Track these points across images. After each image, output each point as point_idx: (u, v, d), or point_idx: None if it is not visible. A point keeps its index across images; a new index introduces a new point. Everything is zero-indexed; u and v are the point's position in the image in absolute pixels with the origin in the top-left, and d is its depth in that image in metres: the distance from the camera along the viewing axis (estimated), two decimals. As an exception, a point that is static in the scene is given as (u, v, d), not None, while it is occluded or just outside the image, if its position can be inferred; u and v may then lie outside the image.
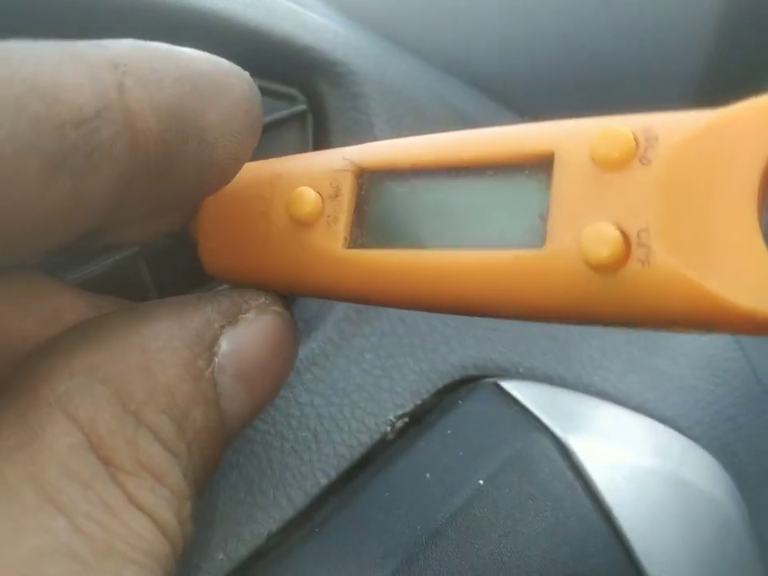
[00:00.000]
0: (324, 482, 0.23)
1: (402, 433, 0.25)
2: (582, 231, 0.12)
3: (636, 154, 0.11)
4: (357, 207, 0.15)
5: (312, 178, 0.16)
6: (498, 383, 0.26)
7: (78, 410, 0.12)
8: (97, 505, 0.12)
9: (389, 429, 0.25)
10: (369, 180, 0.16)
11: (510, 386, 0.26)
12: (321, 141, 0.27)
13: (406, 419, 0.25)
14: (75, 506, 0.11)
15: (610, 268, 0.11)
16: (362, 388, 0.25)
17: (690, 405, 0.31)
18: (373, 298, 0.16)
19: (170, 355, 0.14)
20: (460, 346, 0.27)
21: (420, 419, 0.25)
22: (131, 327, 0.14)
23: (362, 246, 0.15)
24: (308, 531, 0.21)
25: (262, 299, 0.16)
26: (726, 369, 0.33)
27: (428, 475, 0.23)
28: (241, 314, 0.16)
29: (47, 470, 0.12)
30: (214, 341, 0.15)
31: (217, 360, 0.15)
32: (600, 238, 0.11)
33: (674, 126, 0.11)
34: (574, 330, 0.30)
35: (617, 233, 0.11)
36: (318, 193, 0.16)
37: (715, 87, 0.34)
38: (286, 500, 0.22)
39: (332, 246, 0.15)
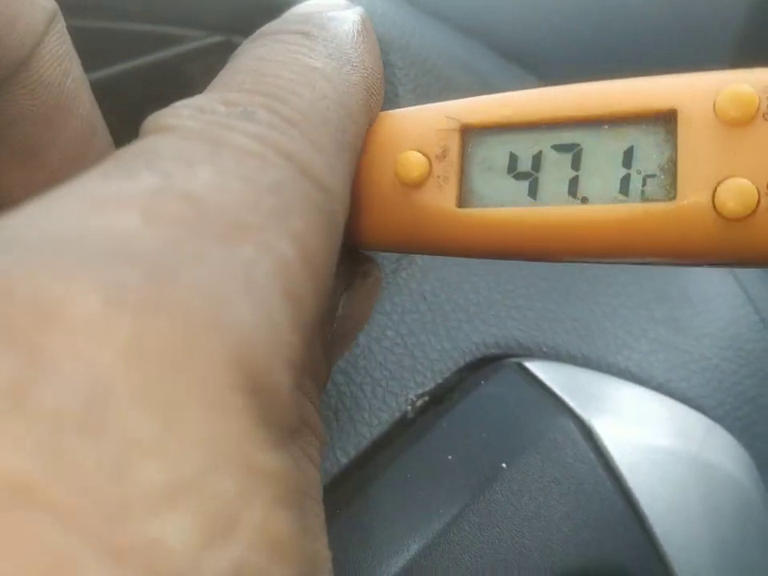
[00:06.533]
0: (344, 460, 0.23)
1: (422, 412, 0.24)
2: (717, 186, 0.13)
3: (759, 111, 0.13)
4: (466, 165, 0.16)
5: (417, 140, 0.16)
6: (522, 363, 0.25)
7: None
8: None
9: (409, 407, 0.24)
10: (476, 136, 0.16)
11: (534, 367, 0.25)
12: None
13: (427, 398, 0.25)
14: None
15: (743, 219, 0.12)
16: (382, 366, 0.24)
17: (714, 386, 0.30)
18: (488, 254, 0.16)
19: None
20: (483, 324, 0.26)
21: (441, 398, 0.25)
22: None
23: (476, 204, 0.15)
24: (328, 512, 0.21)
25: (367, 264, 0.17)
26: (749, 349, 0.32)
27: (450, 457, 0.22)
28: (353, 279, 0.17)
29: None
30: (335, 310, 0.16)
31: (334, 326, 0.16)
32: (736, 192, 0.12)
33: None
34: (598, 309, 0.29)
35: (752, 187, 0.12)
36: (425, 155, 0.16)
37: (754, 47, 0.32)
38: (305, 479, 0.22)
39: (445, 206, 0.15)
